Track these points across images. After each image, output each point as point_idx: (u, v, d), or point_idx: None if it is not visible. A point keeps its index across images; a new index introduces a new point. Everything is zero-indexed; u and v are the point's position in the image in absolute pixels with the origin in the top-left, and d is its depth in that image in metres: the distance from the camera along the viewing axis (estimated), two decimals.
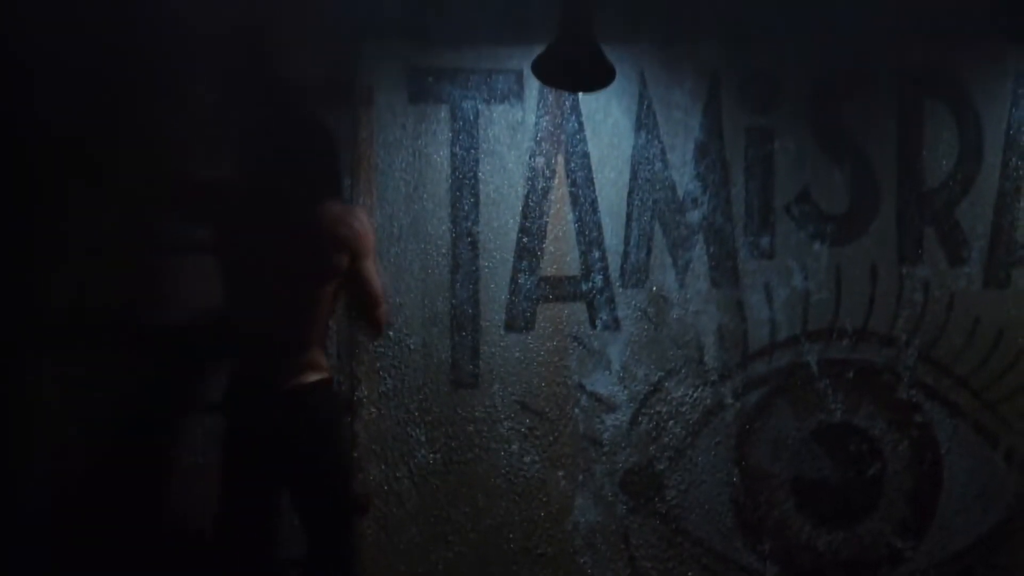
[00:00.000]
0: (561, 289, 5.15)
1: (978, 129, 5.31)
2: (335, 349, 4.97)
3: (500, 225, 5.12)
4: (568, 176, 5.15)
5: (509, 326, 5.12)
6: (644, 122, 5.18)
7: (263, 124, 4.69)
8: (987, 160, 5.31)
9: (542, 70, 4.72)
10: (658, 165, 5.18)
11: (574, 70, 4.69)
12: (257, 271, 4.44)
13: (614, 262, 5.17)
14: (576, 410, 5.16)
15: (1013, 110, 5.31)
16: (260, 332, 4.47)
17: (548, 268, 5.14)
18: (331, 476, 4.60)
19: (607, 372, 5.17)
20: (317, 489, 4.56)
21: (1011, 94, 5.32)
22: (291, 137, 4.59)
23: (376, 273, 4.61)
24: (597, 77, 4.73)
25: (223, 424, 4.55)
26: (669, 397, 5.20)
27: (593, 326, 5.16)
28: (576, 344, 5.16)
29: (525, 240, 5.13)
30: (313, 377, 4.51)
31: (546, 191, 5.14)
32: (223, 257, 4.55)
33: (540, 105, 5.10)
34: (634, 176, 5.18)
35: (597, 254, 5.16)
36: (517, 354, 5.13)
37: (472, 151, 5.11)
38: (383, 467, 5.05)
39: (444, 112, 5.10)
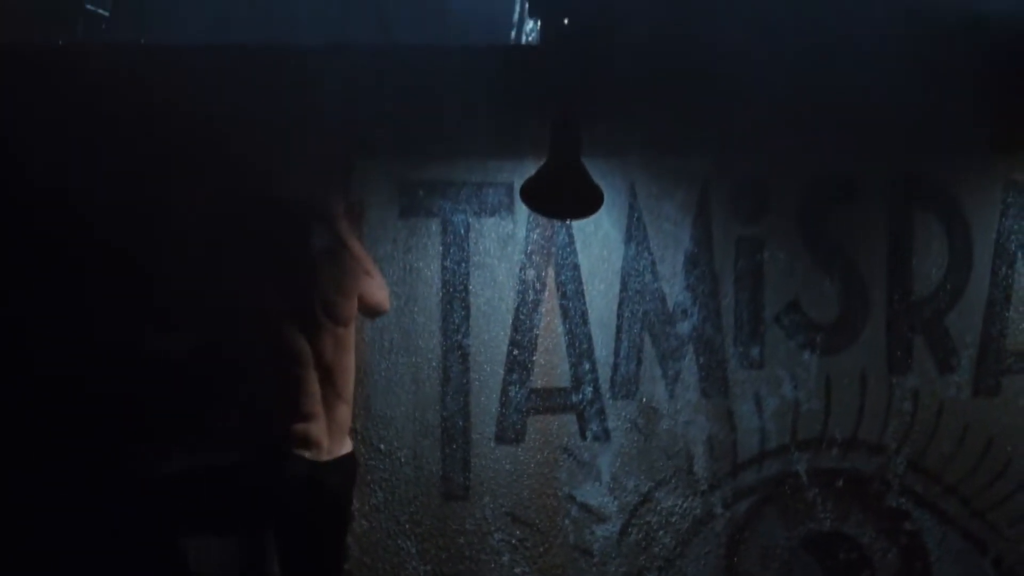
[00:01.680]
0: (551, 401, 5.18)
1: (967, 238, 5.33)
2: None
3: (491, 338, 5.15)
4: (558, 288, 5.18)
5: (499, 438, 5.15)
6: (634, 234, 5.21)
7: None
8: (976, 269, 5.33)
9: (531, 198, 4.75)
10: (648, 277, 5.21)
11: (563, 198, 4.73)
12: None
13: (604, 373, 5.20)
14: (566, 521, 5.18)
15: (1002, 219, 5.33)
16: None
17: (538, 380, 5.17)
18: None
19: (597, 483, 5.19)
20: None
21: (1000, 203, 5.33)
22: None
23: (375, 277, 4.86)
24: (586, 205, 4.77)
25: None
26: (659, 507, 5.22)
27: (583, 437, 5.19)
28: (566, 455, 5.18)
29: (515, 352, 5.16)
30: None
31: (536, 303, 5.17)
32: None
33: (531, 218, 5.13)
34: (624, 288, 5.21)
35: (587, 366, 5.19)
36: (507, 466, 5.15)
37: (463, 264, 5.14)
38: None
39: (435, 225, 5.14)
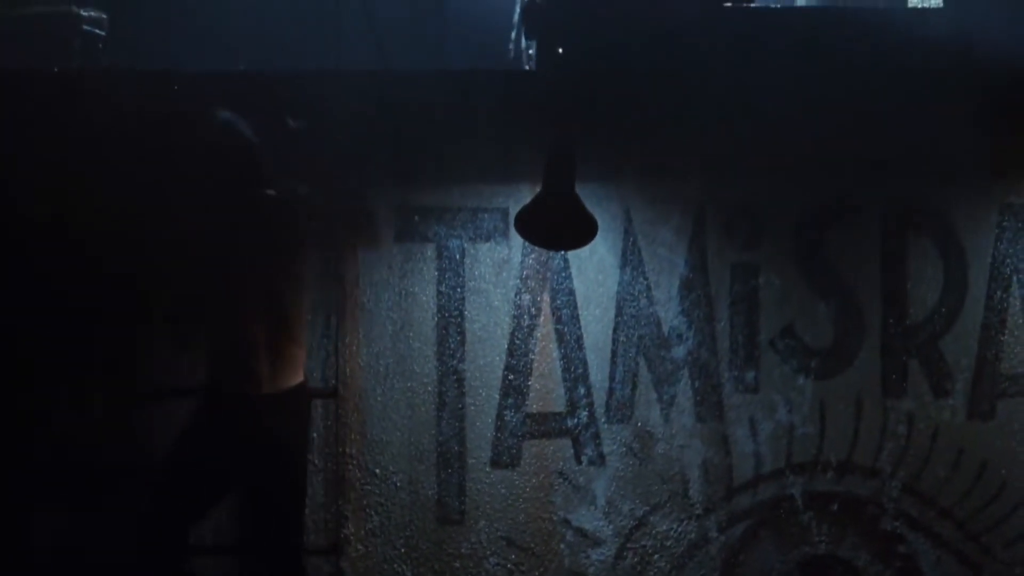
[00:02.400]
0: (547, 425, 5.19)
1: (963, 262, 5.33)
2: (322, 488, 5.05)
3: (486, 363, 5.17)
4: (554, 313, 5.19)
5: (495, 463, 5.17)
6: (629, 259, 5.22)
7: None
8: (972, 293, 5.33)
9: (525, 228, 4.77)
10: (643, 301, 5.22)
11: (557, 228, 4.74)
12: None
13: (599, 398, 5.21)
14: (562, 545, 5.20)
15: (998, 243, 5.34)
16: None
17: (534, 405, 5.18)
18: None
19: (592, 507, 5.21)
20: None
21: (995, 227, 5.34)
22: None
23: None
24: (580, 235, 4.79)
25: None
26: (654, 531, 5.24)
27: (578, 462, 5.20)
28: (562, 480, 5.19)
29: (511, 377, 5.17)
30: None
31: (532, 328, 5.18)
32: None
33: (526, 243, 5.12)
34: (619, 313, 5.22)
35: (582, 390, 5.20)
36: (503, 490, 5.17)
37: (458, 289, 5.15)
38: None
39: (430, 251, 5.15)
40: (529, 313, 5.17)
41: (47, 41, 5.61)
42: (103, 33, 5.84)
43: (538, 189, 4.94)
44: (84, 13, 5.76)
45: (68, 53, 5.62)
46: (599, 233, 5.08)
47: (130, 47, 5.91)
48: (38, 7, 5.76)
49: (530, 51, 6.10)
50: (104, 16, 5.86)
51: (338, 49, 5.51)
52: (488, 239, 5.16)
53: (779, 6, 5.38)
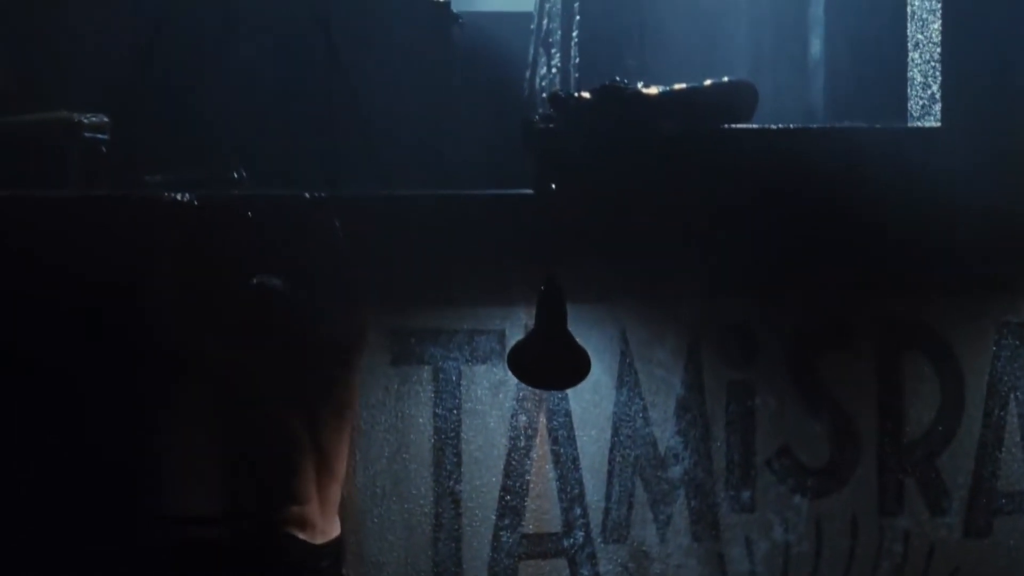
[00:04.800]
0: (542, 546, 5.21)
1: (959, 380, 5.34)
2: None
3: (482, 483, 5.18)
4: (550, 434, 5.20)
5: None
6: (626, 380, 5.23)
7: None
8: (968, 411, 5.34)
9: (517, 368, 4.80)
10: (639, 422, 5.24)
11: (549, 368, 4.77)
12: None
13: (595, 518, 5.22)
14: None
15: (995, 361, 5.34)
16: None
17: (530, 525, 5.20)
18: None
19: None
20: None
21: (993, 344, 5.35)
22: None
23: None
24: (573, 374, 4.81)
25: None
26: None
27: None
28: None
29: (507, 498, 5.18)
30: None
31: (528, 449, 5.20)
32: None
33: None
34: (616, 433, 5.23)
35: (578, 511, 5.22)
36: None
37: (454, 411, 5.17)
38: None
39: (426, 373, 5.17)
40: (525, 434, 5.19)
41: (44, 153, 5.52)
42: (106, 137, 5.74)
43: (534, 309, 4.97)
44: (84, 120, 5.56)
45: (67, 166, 5.55)
46: (595, 355, 5.11)
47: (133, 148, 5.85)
48: (33, 115, 5.61)
49: (543, 95, 6.18)
50: (106, 119, 5.65)
51: (336, 170, 5.51)
52: (484, 361, 5.17)
53: (778, 127, 5.37)
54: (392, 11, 6.44)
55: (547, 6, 6.53)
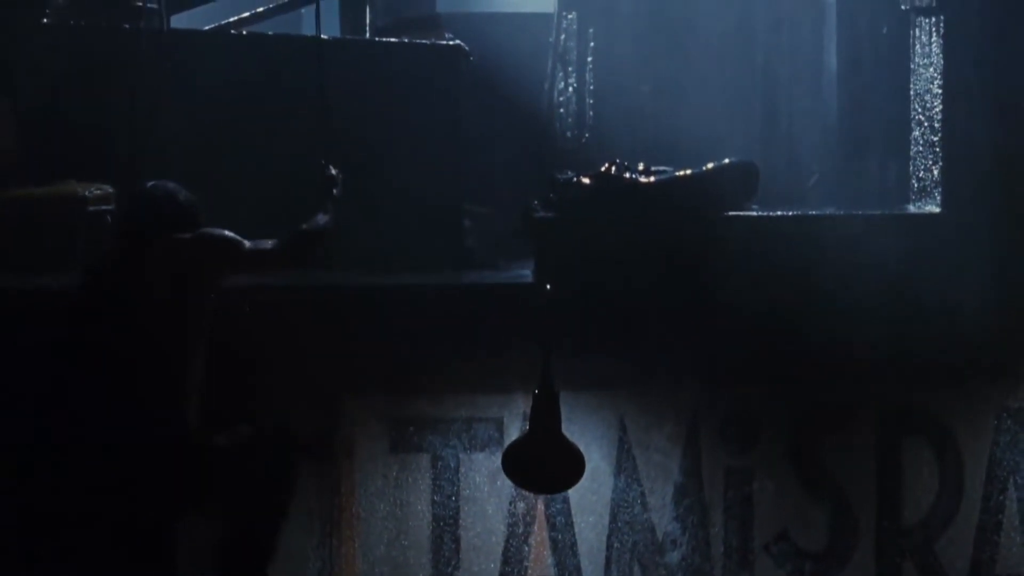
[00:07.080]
0: None
1: (959, 465, 5.33)
2: None
3: (481, 570, 5.21)
4: (548, 521, 5.22)
5: None
6: (624, 465, 5.24)
7: None
8: (968, 495, 5.33)
9: (512, 469, 4.81)
10: (637, 508, 5.25)
11: (544, 469, 4.78)
12: None
13: None
14: None
15: (995, 447, 5.33)
16: None
17: None
18: None
19: None
20: None
21: (993, 430, 5.34)
22: None
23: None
24: (567, 476, 4.82)
25: None
26: None
27: None
28: None
29: None
30: None
31: (526, 536, 5.22)
32: None
33: None
34: (614, 519, 5.24)
35: None
36: None
37: (453, 499, 5.19)
38: None
39: (425, 461, 5.19)
40: (524, 521, 5.21)
41: (50, 229, 5.54)
42: (111, 207, 5.74)
43: (532, 396, 4.98)
44: (88, 193, 5.55)
45: (74, 240, 5.54)
46: (594, 441, 5.14)
47: None
48: (39, 189, 5.64)
49: (561, 110, 6.19)
50: (111, 190, 5.62)
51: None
52: (483, 448, 5.19)
53: (776, 214, 5.36)
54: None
55: (563, 24, 6.52)
